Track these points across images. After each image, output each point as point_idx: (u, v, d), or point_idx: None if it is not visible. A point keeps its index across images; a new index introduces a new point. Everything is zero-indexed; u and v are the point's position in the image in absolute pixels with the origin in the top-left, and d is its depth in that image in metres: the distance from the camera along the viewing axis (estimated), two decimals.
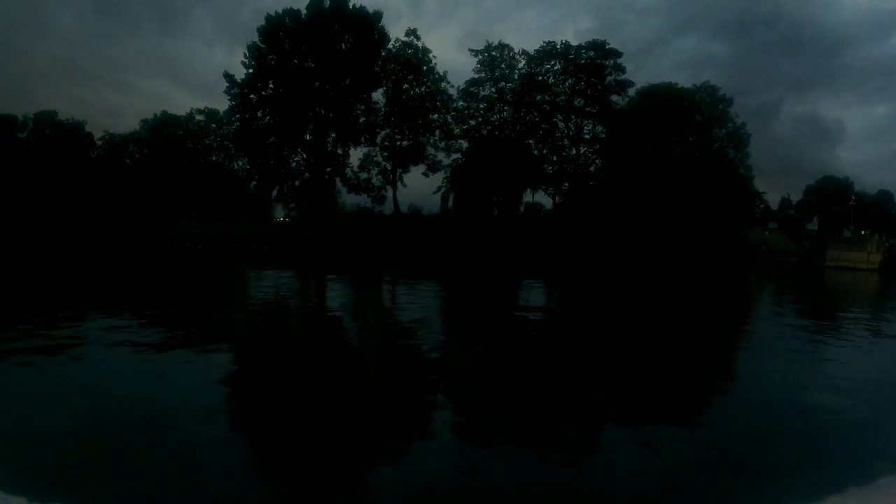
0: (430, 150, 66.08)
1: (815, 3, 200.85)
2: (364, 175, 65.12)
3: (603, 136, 68.86)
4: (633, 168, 62.07)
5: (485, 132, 67.73)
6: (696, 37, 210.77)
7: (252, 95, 62.59)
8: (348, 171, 64.85)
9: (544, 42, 68.08)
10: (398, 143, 64.85)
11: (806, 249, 78.14)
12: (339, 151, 63.83)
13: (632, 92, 68.79)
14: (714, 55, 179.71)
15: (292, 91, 60.47)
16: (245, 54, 62.47)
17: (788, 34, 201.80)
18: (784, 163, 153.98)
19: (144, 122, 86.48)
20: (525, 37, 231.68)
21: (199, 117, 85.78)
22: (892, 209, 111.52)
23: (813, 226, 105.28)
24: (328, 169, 63.95)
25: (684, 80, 74.77)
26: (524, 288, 30.99)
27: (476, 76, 67.19)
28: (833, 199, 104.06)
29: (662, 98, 66.63)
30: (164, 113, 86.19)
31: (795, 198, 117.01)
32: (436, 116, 65.53)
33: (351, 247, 51.99)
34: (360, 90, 62.13)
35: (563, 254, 53.64)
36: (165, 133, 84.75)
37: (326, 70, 60.54)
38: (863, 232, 74.20)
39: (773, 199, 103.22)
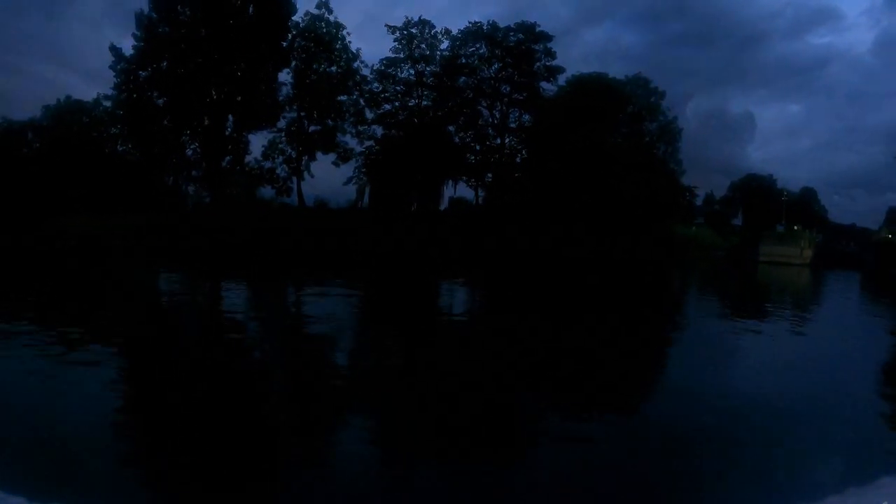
0: (341, 137, 55.05)
1: None
2: (268, 164, 53.60)
3: (530, 125, 59.41)
4: (565, 159, 53.43)
5: (402, 117, 56.99)
6: (606, 28, 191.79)
7: (142, 72, 50.73)
8: (251, 159, 53.36)
9: (469, 22, 57.79)
10: (306, 128, 53.47)
11: (737, 244, 72.08)
12: (236, 136, 51.95)
13: (562, 80, 59.87)
14: (624, 47, 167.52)
15: (188, 67, 49.04)
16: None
17: (701, 28, 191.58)
18: (696, 159, 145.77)
19: (46, 108, 73.79)
20: (432, 18, 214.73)
21: (106, 103, 73.17)
22: (815, 206, 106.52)
23: (737, 221, 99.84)
24: (227, 157, 52.25)
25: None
26: (447, 294, 25.48)
27: (393, 56, 56.19)
28: (757, 195, 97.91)
29: (593, 88, 58.21)
30: (68, 98, 73.58)
31: (718, 193, 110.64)
32: (345, 98, 54.61)
33: (243, 246, 40.95)
34: (265, 67, 50.60)
35: (488, 251, 45.52)
36: (68, 120, 72.23)
37: (227, 44, 49.00)
38: (795, 227, 67.59)
39: (698, 195, 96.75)
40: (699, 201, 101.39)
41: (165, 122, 51.16)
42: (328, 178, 57.07)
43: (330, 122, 53.58)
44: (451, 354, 11.99)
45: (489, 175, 59.35)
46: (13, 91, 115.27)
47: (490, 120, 59.81)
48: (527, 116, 59.55)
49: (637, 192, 55.91)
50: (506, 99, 58.97)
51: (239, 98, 50.35)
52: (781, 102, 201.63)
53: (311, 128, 53.70)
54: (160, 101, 51.19)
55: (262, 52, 49.60)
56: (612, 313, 19.03)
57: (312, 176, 54.45)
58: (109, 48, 50.74)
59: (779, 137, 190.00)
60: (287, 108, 52.86)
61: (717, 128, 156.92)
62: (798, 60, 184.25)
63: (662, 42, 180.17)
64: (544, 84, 59.37)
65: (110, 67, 50.98)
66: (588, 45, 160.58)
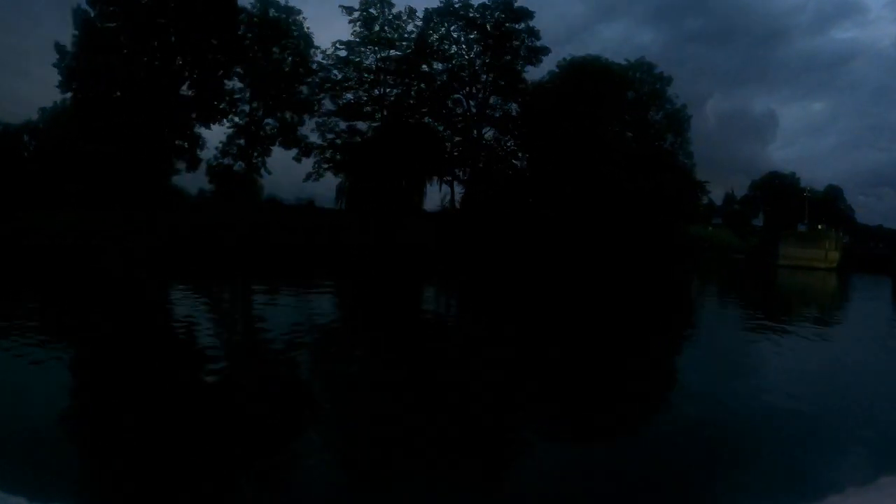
0: (302, 130, 48.91)
1: None
2: (228, 161, 47.87)
3: (513, 112, 52.68)
4: (555, 148, 47.09)
5: (368, 109, 50.34)
6: (621, 24, 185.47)
7: (87, 68, 45.90)
8: (210, 157, 47.79)
9: (440, 0, 50.59)
10: (263, 123, 47.63)
11: (756, 246, 63.99)
12: (187, 132, 46.24)
13: (549, 62, 53.43)
14: (640, 45, 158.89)
15: (131, 62, 44.20)
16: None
17: (721, 24, 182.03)
18: (717, 159, 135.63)
19: (42, 110, 70.80)
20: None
21: None
22: (840, 205, 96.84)
23: (758, 221, 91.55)
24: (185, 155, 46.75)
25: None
26: (427, 298, 22.46)
27: (351, 39, 49.40)
28: (779, 194, 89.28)
29: (589, 71, 51.54)
30: (65, 101, 70.47)
31: (739, 193, 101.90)
32: (302, 88, 48.33)
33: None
34: (215, 58, 45.04)
35: (475, 251, 40.79)
36: (64, 121, 69.13)
37: (172, 35, 43.99)
38: (819, 227, 58.99)
39: (717, 195, 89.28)
40: (719, 201, 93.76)
41: (117, 120, 46.09)
42: (288, 175, 52.15)
43: (288, 115, 47.69)
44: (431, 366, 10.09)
45: (467, 169, 52.38)
46: (9, 94, 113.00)
47: (468, 109, 52.78)
48: (512, 105, 52.56)
49: (640, 185, 49.36)
50: (483, 85, 52.00)
51: (189, 92, 45.15)
52: (804, 100, 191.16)
53: (267, 121, 47.91)
54: (110, 98, 46.21)
55: (215, 41, 44.24)
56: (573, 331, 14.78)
57: (270, 173, 48.74)
58: (54, 46, 46.15)
59: (802, 136, 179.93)
60: (240, 101, 46.97)
61: (738, 127, 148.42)
62: (821, 56, 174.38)
63: (681, 39, 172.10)
64: (528, 67, 52.47)
65: (54, 66, 46.21)
66: (604, 43, 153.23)
